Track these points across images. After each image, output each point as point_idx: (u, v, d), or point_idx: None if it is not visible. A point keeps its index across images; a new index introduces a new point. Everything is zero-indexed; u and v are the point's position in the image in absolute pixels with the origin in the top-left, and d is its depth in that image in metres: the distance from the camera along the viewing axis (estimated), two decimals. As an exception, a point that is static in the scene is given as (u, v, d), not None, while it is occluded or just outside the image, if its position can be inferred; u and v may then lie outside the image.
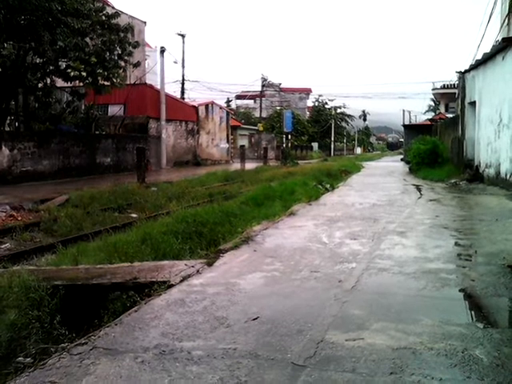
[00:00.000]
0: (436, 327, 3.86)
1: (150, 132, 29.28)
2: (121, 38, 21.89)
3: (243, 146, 35.70)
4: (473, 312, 4.53)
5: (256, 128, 57.69)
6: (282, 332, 3.78)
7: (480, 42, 35.90)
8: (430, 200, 12.65)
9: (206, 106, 38.06)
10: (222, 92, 60.04)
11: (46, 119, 21.64)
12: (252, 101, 76.24)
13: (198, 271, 5.51)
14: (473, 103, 18.49)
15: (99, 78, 21.41)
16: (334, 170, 22.43)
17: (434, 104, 65.80)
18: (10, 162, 18.33)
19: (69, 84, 22.49)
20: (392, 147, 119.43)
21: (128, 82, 26.87)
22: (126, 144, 26.18)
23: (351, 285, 5.02)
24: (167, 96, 31.24)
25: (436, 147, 22.75)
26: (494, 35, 19.15)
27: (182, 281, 5.11)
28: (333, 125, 73.00)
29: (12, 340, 3.86)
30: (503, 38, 14.95)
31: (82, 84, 22.11)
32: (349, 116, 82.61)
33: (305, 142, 63.90)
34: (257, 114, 66.41)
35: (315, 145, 68.77)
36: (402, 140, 68.82)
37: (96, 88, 21.76)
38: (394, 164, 37.78)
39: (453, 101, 32.70)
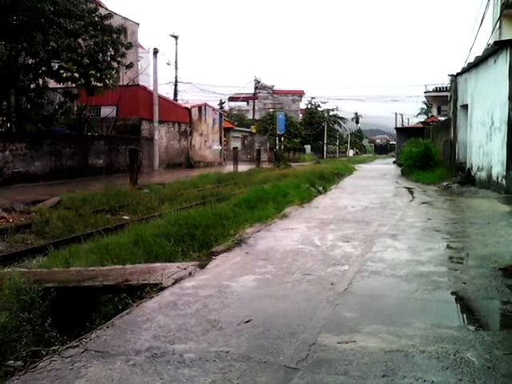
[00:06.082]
0: (428, 330, 3.87)
1: (143, 133, 29.21)
2: (114, 39, 21.85)
3: (236, 148, 35.69)
4: (464, 315, 4.55)
5: (249, 130, 57.74)
6: (274, 335, 3.77)
7: (472, 45, 36.18)
8: (422, 203, 12.69)
9: (199, 107, 38.04)
10: (215, 94, 60.18)
11: (38, 120, 21.54)
12: (245, 103, 76.29)
13: (190, 274, 5.49)
14: (465, 106, 18.59)
15: (92, 79, 21.35)
16: (326, 173, 22.44)
17: (426, 107, 66.15)
18: (1, 163, 18.21)
19: (61, 85, 22.45)
20: (380, 150, 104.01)
21: (121, 84, 26.85)
22: (118, 145, 26.11)
23: (343, 287, 5.02)
24: (160, 97, 31.18)
25: (428, 150, 22.84)
26: (486, 38, 19.30)
27: (174, 283, 5.09)
28: (325, 127, 73.18)
29: (2, 343, 3.83)
30: (495, 42, 15.04)
31: (74, 85, 22.05)
32: (341, 118, 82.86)
33: (298, 145, 64.00)
34: (250, 116, 66.45)
35: (308, 147, 68.94)
36: (393, 142, 69.11)
37: (88, 89, 21.70)
38: (386, 167, 37.88)
39: (445, 104, 32.86)
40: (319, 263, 6.08)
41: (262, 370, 3.20)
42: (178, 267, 5.68)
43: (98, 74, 21.39)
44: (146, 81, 35.50)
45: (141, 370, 3.22)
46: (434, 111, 45.45)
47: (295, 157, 55.62)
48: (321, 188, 16.05)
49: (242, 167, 29.66)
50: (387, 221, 9.47)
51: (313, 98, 76.44)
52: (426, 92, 44.16)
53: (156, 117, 29.66)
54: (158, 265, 5.94)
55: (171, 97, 41.21)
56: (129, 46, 23.19)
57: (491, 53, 14.82)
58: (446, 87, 32.78)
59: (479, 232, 8.20)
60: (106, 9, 27.19)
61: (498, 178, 14.04)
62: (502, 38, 17.45)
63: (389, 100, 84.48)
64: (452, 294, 4.93)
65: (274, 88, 75.88)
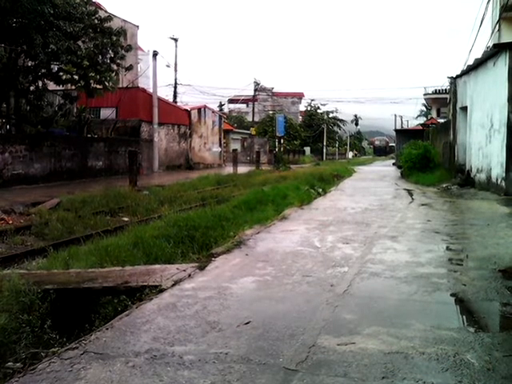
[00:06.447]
0: (427, 332, 3.87)
1: (142, 135, 29.19)
2: (113, 41, 21.87)
3: (236, 149, 35.68)
4: (464, 316, 4.54)
5: (248, 132, 57.78)
6: (273, 336, 3.77)
7: (471, 48, 36.30)
8: (422, 204, 12.69)
9: (199, 109, 38.05)
10: (214, 96, 60.31)
11: (38, 122, 21.52)
12: (245, 105, 76.42)
13: (189, 275, 5.49)
14: (464, 108, 18.60)
15: (91, 81, 21.36)
16: (326, 175, 22.44)
17: (425, 109, 66.20)
18: (1, 165, 18.20)
19: (61, 87, 22.45)
20: (379, 152, 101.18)
21: (120, 86, 26.85)
22: (117, 147, 26.10)
23: (343, 289, 5.02)
24: (160, 99, 31.18)
25: (427, 152, 22.85)
26: (485, 41, 19.34)
27: (173, 285, 5.09)
28: (325, 129, 73.18)
29: (2, 345, 3.83)
30: (494, 44, 15.07)
31: (74, 87, 22.06)
32: (341, 120, 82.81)
33: (297, 147, 63.98)
34: (249, 118, 66.50)
35: (307, 149, 68.89)
36: (393, 144, 69.08)
37: (88, 91, 21.71)
38: (385, 168, 37.87)
39: (444, 106, 32.86)
40: (319, 265, 6.08)
41: (261, 372, 3.19)
42: (177, 269, 5.68)
43: (98, 76, 21.40)
44: (145, 83, 35.50)
45: (140, 371, 3.22)
46: (434, 113, 45.49)
47: (295, 159, 55.56)
48: (320, 190, 16.05)
49: (242, 169, 29.64)
50: (387, 222, 9.47)
51: (312, 100, 76.46)
52: (425, 94, 44.21)
53: (155, 119, 29.66)
54: (157, 266, 5.94)
55: (171, 99, 41.23)
56: (128, 48, 23.21)
57: (490, 55, 14.84)
58: (446, 89, 32.77)
59: (479, 234, 8.20)
60: (106, 11, 27.18)
61: (497, 179, 14.05)
62: (502, 41, 17.48)
63: (388, 102, 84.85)
64: (452, 295, 4.93)
65: (274, 90, 76.02)
